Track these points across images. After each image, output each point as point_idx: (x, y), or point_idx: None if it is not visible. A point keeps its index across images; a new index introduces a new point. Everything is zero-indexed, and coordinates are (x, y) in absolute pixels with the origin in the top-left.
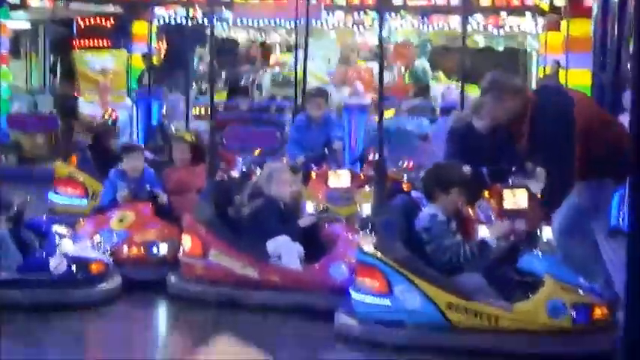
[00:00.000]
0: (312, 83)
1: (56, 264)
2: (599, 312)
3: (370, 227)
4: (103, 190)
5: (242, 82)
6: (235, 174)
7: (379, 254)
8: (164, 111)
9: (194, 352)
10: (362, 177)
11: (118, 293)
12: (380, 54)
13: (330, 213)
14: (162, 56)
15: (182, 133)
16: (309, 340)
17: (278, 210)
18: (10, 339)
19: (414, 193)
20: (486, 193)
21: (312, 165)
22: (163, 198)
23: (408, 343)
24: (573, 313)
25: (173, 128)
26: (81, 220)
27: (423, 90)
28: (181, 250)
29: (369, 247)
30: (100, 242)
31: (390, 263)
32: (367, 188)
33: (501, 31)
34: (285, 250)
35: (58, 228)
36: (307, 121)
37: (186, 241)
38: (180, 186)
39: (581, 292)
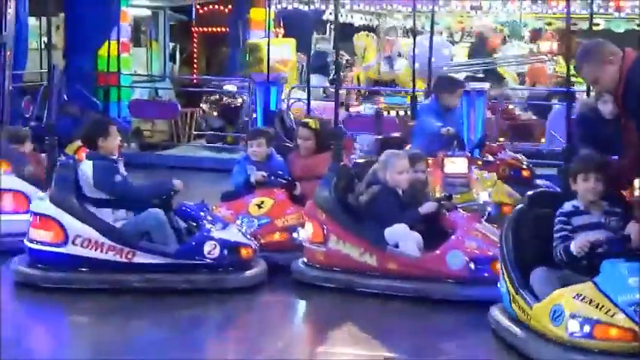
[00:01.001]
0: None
1: (210, 249)
2: (612, 332)
3: (487, 215)
4: (234, 173)
5: None
6: (356, 160)
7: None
8: (283, 97)
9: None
10: (479, 163)
11: (264, 278)
12: (567, 42)
13: (453, 201)
14: None
15: (307, 120)
16: (427, 329)
17: (395, 197)
18: (166, 320)
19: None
20: None
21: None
22: (298, 188)
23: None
24: (569, 324)
25: (292, 115)
26: (214, 206)
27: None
28: (304, 236)
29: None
30: (242, 227)
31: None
32: (485, 175)
33: (621, 13)
34: (403, 238)
35: (204, 214)
36: (440, 110)
37: (308, 227)
38: (306, 172)
39: (606, 308)
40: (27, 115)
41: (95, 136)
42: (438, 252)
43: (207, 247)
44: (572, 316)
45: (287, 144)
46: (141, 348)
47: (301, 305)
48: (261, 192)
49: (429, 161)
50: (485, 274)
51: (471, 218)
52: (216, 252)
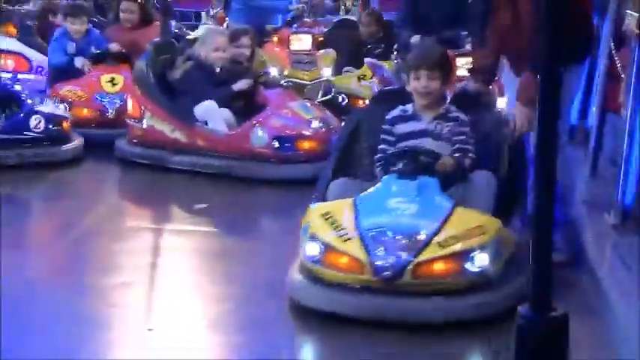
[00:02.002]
0: None
1: (36, 122)
2: (341, 260)
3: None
4: (51, 49)
5: None
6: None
7: None
8: None
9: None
10: (321, 41)
11: (82, 151)
12: None
13: (274, 77)
14: None
15: None
16: (244, 206)
17: (208, 73)
18: None
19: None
20: None
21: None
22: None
23: None
24: (307, 245)
25: None
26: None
27: None
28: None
29: None
30: (105, 104)
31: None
32: (324, 51)
33: None
34: (211, 115)
35: (21, 89)
36: None
37: (128, 103)
38: (133, 46)
39: (345, 232)
40: None
41: None
42: (241, 129)
43: (33, 121)
44: (311, 238)
45: (100, 18)
46: None
47: (117, 181)
48: (105, 69)
49: (275, 38)
50: (291, 153)
51: (285, 95)
52: (42, 125)
